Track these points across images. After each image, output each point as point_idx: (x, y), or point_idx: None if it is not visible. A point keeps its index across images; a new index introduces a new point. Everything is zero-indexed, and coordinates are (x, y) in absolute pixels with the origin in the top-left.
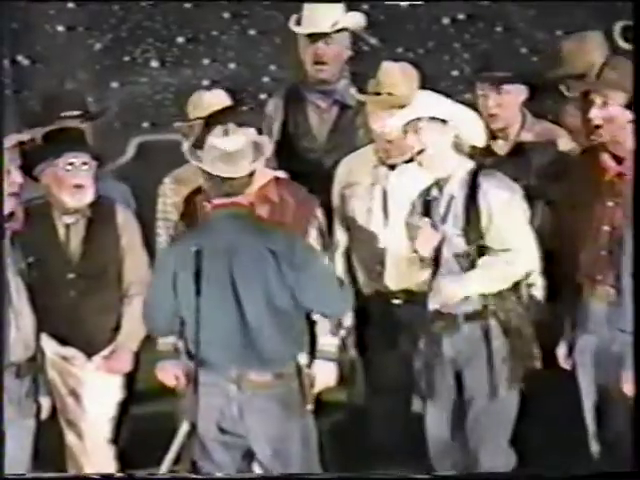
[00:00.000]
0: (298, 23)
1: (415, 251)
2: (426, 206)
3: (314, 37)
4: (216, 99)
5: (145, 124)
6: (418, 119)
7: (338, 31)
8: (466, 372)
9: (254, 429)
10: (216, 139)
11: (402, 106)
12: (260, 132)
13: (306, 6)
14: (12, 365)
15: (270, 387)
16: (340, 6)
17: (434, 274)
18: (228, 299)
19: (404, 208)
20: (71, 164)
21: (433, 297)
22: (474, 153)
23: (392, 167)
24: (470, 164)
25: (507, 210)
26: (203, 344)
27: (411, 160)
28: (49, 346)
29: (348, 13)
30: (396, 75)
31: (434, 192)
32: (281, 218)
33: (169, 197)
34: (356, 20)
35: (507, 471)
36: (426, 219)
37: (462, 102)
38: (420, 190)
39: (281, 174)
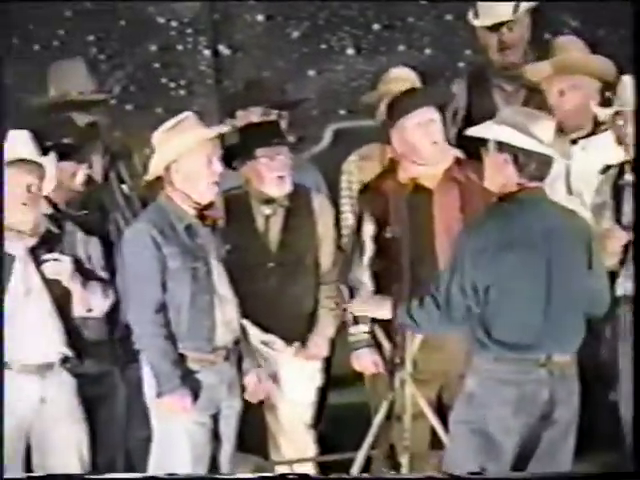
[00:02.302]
0: (476, 15)
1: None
2: (616, 190)
3: (495, 25)
4: (404, 74)
5: (342, 111)
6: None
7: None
8: None
9: (562, 413)
10: None
11: (576, 70)
12: (444, 114)
13: None
14: (221, 349)
15: (570, 367)
16: None
17: (624, 260)
18: (540, 281)
19: (589, 184)
20: (270, 157)
21: (622, 282)
22: None
23: (574, 142)
24: None
25: None
26: (512, 327)
27: (592, 134)
28: (250, 331)
29: None
30: (567, 43)
31: (627, 176)
32: (470, 198)
33: (354, 174)
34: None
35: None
36: (616, 225)
37: None
38: (608, 172)
39: (459, 154)
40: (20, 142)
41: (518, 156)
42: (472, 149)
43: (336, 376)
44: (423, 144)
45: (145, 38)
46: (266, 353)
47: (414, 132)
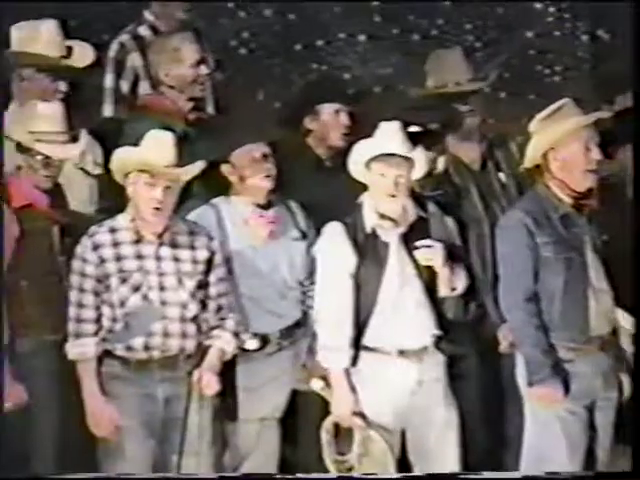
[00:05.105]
0: None
1: None
2: None
3: None
4: None
5: None
6: None
7: None
8: None
9: None
10: None
11: None
12: None
13: None
14: (596, 339)
15: None
16: None
17: None
18: None
19: None
20: None
21: None
22: None
23: None
24: None
25: None
26: None
27: None
28: (628, 322)
29: None
30: None
31: None
32: None
33: None
34: None
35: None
36: None
37: None
38: None
39: None
40: (390, 135)
41: None
42: None
43: None
44: None
45: (522, 25)
46: None
47: None
